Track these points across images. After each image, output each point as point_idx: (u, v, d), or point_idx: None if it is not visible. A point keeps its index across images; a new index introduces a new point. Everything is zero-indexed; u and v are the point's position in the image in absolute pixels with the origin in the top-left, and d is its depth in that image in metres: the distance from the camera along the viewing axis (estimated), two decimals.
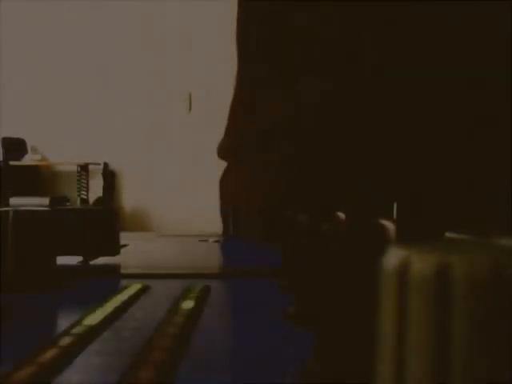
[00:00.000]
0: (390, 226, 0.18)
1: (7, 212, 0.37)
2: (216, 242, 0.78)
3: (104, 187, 3.31)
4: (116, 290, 0.36)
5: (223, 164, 0.92)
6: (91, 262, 0.49)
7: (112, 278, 0.44)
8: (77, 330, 0.25)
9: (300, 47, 0.53)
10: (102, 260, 0.49)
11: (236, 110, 0.59)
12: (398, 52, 0.54)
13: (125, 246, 0.62)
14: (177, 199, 3.31)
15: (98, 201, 3.18)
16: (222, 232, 0.86)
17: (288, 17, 0.53)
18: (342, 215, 0.23)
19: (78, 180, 3.33)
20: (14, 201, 0.44)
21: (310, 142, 0.53)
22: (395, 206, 0.24)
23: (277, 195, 0.53)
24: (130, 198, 3.40)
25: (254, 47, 0.56)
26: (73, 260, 0.48)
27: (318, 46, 0.52)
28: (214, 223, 1.16)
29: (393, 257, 0.11)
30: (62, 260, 0.42)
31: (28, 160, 3.29)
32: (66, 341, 0.23)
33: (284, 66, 0.53)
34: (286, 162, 0.53)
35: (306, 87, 0.52)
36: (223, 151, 0.61)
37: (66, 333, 0.25)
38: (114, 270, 0.47)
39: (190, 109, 3.34)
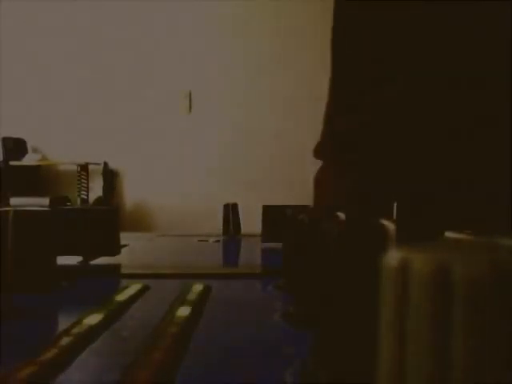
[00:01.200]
0: (389, 226, 0.18)
1: (7, 212, 0.37)
2: (216, 241, 0.78)
3: (104, 187, 3.31)
4: (116, 290, 0.36)
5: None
6: (91, 262, 0.49)
7: (112, 278, 0.44)
8: (77, 329, 0.25)
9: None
10: (102, 260, 0.49)
11: (330, 111, 0.60)
12: (397, 52, 0.54)
13: (125, 245, 0.62)
14: (177, 199, 3.31)
15: (98, 201, 3.18)
16: (222, 232, 0.86)
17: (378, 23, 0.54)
18: (341, 215, 0.23)
19: (78, 180, 3.33)
20: (14, 201, 0.44)
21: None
22: (395, 206, 0.24)
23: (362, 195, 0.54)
24: (130, 198, 3.40)
25: (350, 51, 0.57)
26: (73, 260, 0.48)
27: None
28: (214, 223, 1.16)
29: (393, 257, 0.11)
30: (62, 260, 0.42)
31: (28, 160, 3.29)
32: (65, 341, 0.23)
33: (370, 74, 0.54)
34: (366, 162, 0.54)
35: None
36: (318, 151, 0.61)
37: (66, 333, 0.25)
38: (114, 269, 0.47)
39: (190, 108, 3.34)
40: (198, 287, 0.37)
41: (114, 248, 0.50)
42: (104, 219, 0.49)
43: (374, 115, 0.54)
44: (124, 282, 0.40)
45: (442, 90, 0.52)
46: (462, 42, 0.52)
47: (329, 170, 0.59)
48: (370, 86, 0.54)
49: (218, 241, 0.79)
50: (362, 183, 0.53)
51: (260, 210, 0.68)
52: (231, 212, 0.85)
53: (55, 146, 3.39)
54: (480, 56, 0.51)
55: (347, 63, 0.57)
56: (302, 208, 0.46)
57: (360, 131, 0.54)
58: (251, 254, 0.68)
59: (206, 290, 0.36)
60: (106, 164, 3.32)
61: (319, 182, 0.60)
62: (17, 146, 3.29)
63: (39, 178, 3.42)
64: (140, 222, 3.27)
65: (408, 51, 0.53)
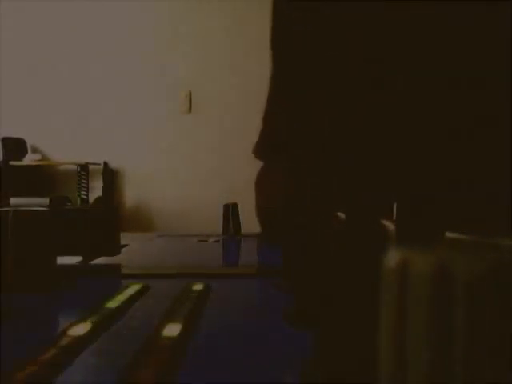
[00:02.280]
0: (390, 226, 0.18)
1: (7, 212, 0.37)
2: (216, 241, 0.78)
3: (104, 187, 3.31)
4: (116, 290, 0.36)
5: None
6: (91, 262, 0.49)
7: (112, 278, 0.44)
8: (77, 330, 0.25)
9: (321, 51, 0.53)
10: (102, 260, 0.49)
11: (274, 110, 0.60)
12: (396, 53, 0.54)
13: (125, 245, 0.62)
14: (177, 199, 3.31)
15: (98, 201, 3.18)
16: (221, 232, 0.86)
17: (316, 19, 0.53)
18: (342, 215, 0.23)
19: (78, 180, 3.33)
20: (14, 201, 0.44)
21: (316, 141, 0.53)
22: (395, 206, 0.24)
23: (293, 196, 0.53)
24: (130, 198, 3.40)
25: (290, 50, 0.56)
26: (73, 260, 0.48)
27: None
28: (214, 223, 1.15)
29: (393, 257, 0.11)
30: (62, 260, 0.42)
31: (28, 160, 3.29)
32: (65, 341, 0.23)
33: (313, 72, 0.54)
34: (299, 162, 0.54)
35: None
36: (261, 151, 0.61)
37: (66, 333, 0.25)
38: (114, 269, 0.47)
39: (190, 108, 3.34)
40: (197, 287, 0.37)
41: (114, 248, 0.50)
42: (104, 219, 0.49)
43: (317, 114, 0.53)
44: (124, 282, 0.40)
45: (440, 90, 0.52)
46: (461, 43, 0.52)
47: (268, 171, 0.58)
48: (311, 84, 0.54)
49: (218, 241, 0.79)
50: (301, 184, 0.53)
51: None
52: (231, 212, 0.85)
53: (55, 146, 3.39)
54: (480, 55, 0.51)
55: (288, 61, 0.57)
56: (303, 209, 0.46)
57: (299, 130, 0.54)
58: (251, 254, 0.68)
59: (206, 290, 0.36)
60: (106, 164, 3.32)
61: (260, 182, 0.59)
62: (17, 146, 3.29)
63: (39, 178, 3.42)
64: (140, 222, 3.27)
65: (406, 52, 0.53)
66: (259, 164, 0.68)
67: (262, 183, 0.59)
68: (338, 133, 0.56)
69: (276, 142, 0.58)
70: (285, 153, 0.56)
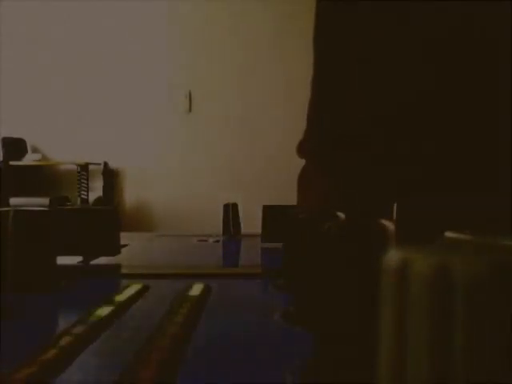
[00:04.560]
0: (390, 226, 0.18)
1: (7, 212, 0.37)
2: (216, 241, 0.78)
3: (104, 187, 3.31)
4: (116, 290, 0.36)
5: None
6: (91, 262, 0.49)
7: (112, 278, 0.44)
8: (77, 329, 0.25)
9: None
10: (102, 260, 0.49)
11: (318, 111, 0.60)
12: (397, 54, 0.54)
13: (125, 245, 0.62)
14: (177, 199, 3.31)
15: (98, 201, 3.18)
16: (221, 232, 0.86)
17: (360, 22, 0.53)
18: (341, 215, 0.23)
19: (78, 180, 3.32)
20: (14, 201, 0.44)
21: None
22: (395, 206, 0.24)
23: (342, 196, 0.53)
24: (130, 198, 3.40)
25: (334, 51, 0.57)
26: (73, 260, 0.48)
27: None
28: (214, 223, 1.15)
29: (393, 257, 0.11)
30: (62, 260, 0.42)
31: (28, 160, 3.29)
32: (65, 341, 0.23)
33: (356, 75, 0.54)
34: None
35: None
36: (303, 149, 0.61)
37: (66, 333, 0.25)
38: (114, 269, 0.47)
39: (190, 108, 3.34)
40: (197, 287, 0.37)
41: (114, 248, 0.50)
42: (104, 219, 0.49)
43: (362, 115, 0.53)
44: (124, 281, 0.40)
45: (440, 90, 0.52)
46: (461, 42, 0.52)
47: (312, 170, 0.59)
48: (356, 85, 0.54)
49: (218, 241, 0.79)
50: (345, 183, 0.53)
51: (260, 210, 0.68)
52: (231, 212, 0.85)
53: (55, 146, 3.39)
54: (481, 57, 0.51)
55: (332, 62, 0.57)
56: (302, 208, 0.46)
57: (345, 131, 0.54)
58: (251, 254, 0.68)
59: (206, 290, 0.36)
60: (106, 164, 3.32)
61: (302, 181, 0.60)
62: (17, 146, 3.29)
63: (39, 178, 3.42)
64: (140, 222, 3.27)
65: (398, 51, 0.53)
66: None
67: (304, 182, 0.60)
68: (346, 131, 0.56)
69: (320, 142, 0.58)
70: (327, 153, 0.56)
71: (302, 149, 0.62)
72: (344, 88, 0.56)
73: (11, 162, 3.19)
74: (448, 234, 0.18)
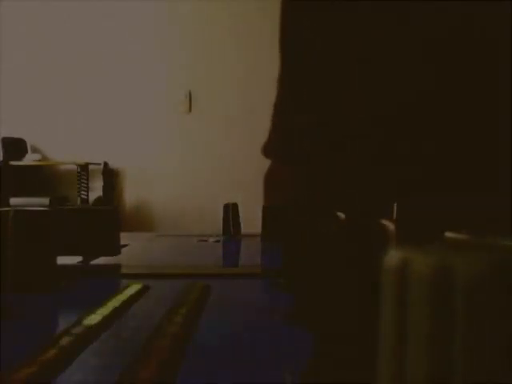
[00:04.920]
0: (390, 226, 0.18)
1: (7, 212, 0.37)
2: (216, 241, 0.78)
3: (104, 187, 3.31)
4: (116, 290, 0.36)
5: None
6: (91, 262, 0.49)
7: (112, 278, 0.44)
8: (77, 329, 0.25)
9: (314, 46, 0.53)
10: (102, 260, 0.49)
11: (282, 109, 0.60)
12: (397, 54, 0.54)
13: (125, 245, 0.62)
14: (177, 199, 3.31)
15: (98, 201, 3.18)
16: (222, 232, 0.86)
17: (305, 17, 0.53)
18: (341, 215, 0.23)
19: (78, 180, 3.33)
20: (14, 201, 0.44)
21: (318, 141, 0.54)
22: (395, 206, 0.24)
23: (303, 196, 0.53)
24: (130, 198, 3.40)
25: (297, 50, 0.57)
26: (73, 260, 0.48)
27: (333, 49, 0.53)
28: (214, 223, 1.16)
29: (393, 257, 0.11)
30: (62, 260, 0.42)
31: (28, 160, 3.29)
32: (65, 341, 0.23)
33: (321, 71, 0.54)
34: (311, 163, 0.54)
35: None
36: (267, 149, 0.61)
37: (66, 333, 0.25)
38: (114, 269, 0.47)
39: (190, 108, 3.34)
40: (197, 287, 0.37)
41: (114, 248, 0.50)
42: (104, 219, 0.49)
43: (327, 115, 0.53)
44: (124, 281, 0.40)
45: (440, 90, 0.52)
46: (461, 42, 0.52)
47: (278, 169, 0.59)
48: (321, 86, 0.54)
49: (218, 241, 0.79)
50: (311, 183, 0.53)
51: (260, 210, 0.68)
52: (231, 212, 0.85)
53: (55, 146, 3.39)
54: (481, 57, 0.51)
55: (298, 62, 0.57)
56: (302, 208, 0.46)
57: (310, 131, 0.54)
58: (251, 254, 0.68)
59: (206, 290, 0.36)
60: (106, 164, 3.32)
61: (269, 181, 0.60)
62: (17, 146, 3.29)
63: (39, 178, 3.42)
64: (140, 222, 3.27)
65: (399, 51, 0.53)
66: (260, 165, 0.68)
67: (270, 182, 0.60)
68: (347, 131, 0.56)
69: (285, 141, 0.58)
70: (293, 152, 0.56)
71: (267, 149, 0.62)
72: (308, 86, 0.56)
73: (11, 162, 3.19)
74: (448, 234, 0.18)
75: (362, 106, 0.55)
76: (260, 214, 0.68)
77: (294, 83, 0.59)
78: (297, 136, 0.56)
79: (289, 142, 0.57)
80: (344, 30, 0.54)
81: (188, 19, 3.29)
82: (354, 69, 0.55)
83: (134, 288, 0.37)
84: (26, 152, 3.34)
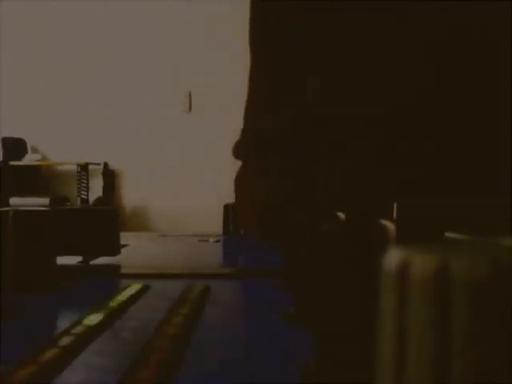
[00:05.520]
0: (390, 225, 0.18)
1: (7, 212, 0.37)
2: (216, 241, 0.78)
3: (104, 187, 3.31)
4: (116, 290, 0.36)
5: (228, 164, 0.91)
6: (91, 262, 0.49)
7: (112, 278, 0.44)
8: (77, 329, 0.25)
9: (307, 47, 0.53)
10: (102, 260, 0.49)
11: (252, 109, 0.60)
12: (397, 54, 0.54)
13: (125, 246, 0.62)
14: (177, 199, 3.31)
15: (98, 201, 3.18)
16: (222, 232, 0.86)
17: (299, 17, 0.53)
18: (341, 215, 0.23)
19: (77, 180, 3.33)
20: (14, 201, 0.44)
21: (315, 142, 0.53)
22: (395, 206, 0.24)
23: (282, 196, 0.53)
24: (130, 198, 3.40)
25: (269, 47, 0.56)
26: (73, 260, 0.48)
27: (320, 45, 0.53)
28: (214, 223, 1.16)
29: (393, 257, 0.11)
30: (62, 260, 0.42)
31: (28, 160, 3.29)
32: (65, 341, 0.23)
33: (295, 67, 0.54)
34: (291, 162, 0.54)
35: (310, 88, 0.52)
36: (238, 150, 0.61)
37: (66, 333, 0.25)
38: (113, 270, 0.47)
39: (191, 108, 3.34)
40: (198, 287, 0.37)
41: (114, 248, 0.50)
42: (104, 219, 0.49)
43: (297, 115, 0.53)
44: (124, 281, 0.40)
45: (440, 90, 0.52)
46: (461, 42, 0.52)
47: (248, 170, 0.58)
48: (292, 86, 0.54)
49: (218, 241, 0.79)
50: (283, 183, 0.53)
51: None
52: (231, 212, 0.85)
53: (55, 146, 3.39)
54: (481, 57, 0.51)
55: (270, 62, 0.57)
56: (302, 208, 0.46)
57: (281, 131, 0.54)
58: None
59: (206, 290, 0.36)
60: (106, 164, 3.32)
61: (239, 182, 0.59)
62: (17, 146, 3.29)
63: (39, 178, 3.42)
64: (140, 222, 3.27)
65: (399, 51, 0.53)
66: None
67: (241, 184, 0.59)
68: (331, 132, 0.56)
69: (256, 141, 0.58)
70: (264, 153, 0.55)
71: (237, 150, 0.61)
72: (279, 84, 0.56)
73: (11, 162, 3.20)
74: (448, 234, 0.18)
75: (361, 106, 0.55)
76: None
77: (265, 81, 0.58)
78: (268, 138, 0.56)
79: (258, 142, 0.57)
80: (344, 30, 0.54)
81: (188, 19, 3.29)
82: (353, 69, 0.55)
83: (133, 288, 0.37)
84: (26, 152, 3.34)
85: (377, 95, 0.54)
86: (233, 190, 0.61)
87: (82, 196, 3.29)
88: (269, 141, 0.55)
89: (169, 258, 0.64)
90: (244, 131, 0.61)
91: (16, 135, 3.29)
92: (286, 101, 0.54)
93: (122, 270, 0.47)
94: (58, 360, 0.21)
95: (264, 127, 0.57)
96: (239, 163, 0.69)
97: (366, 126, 0.54)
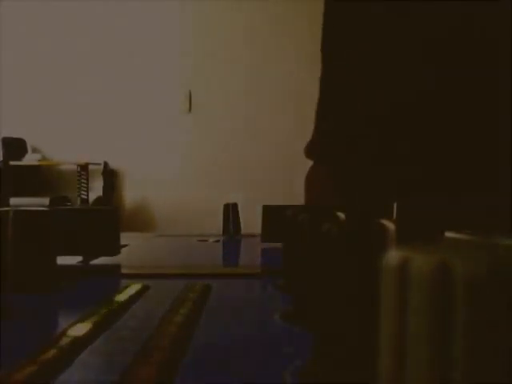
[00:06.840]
0: (390, 225, 0.18)
1: (7, 212, 0.37)
2: (216, 241, 0.78)
3: (104, 187, 3.31)
4: (116, 290, 0.36)
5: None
6: (91, 262, 0.49)
7: (112, 278, 0.44)
8: (76, 330, 0.25)
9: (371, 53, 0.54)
10: (102, 260, 0.49)
11: (325, 111, 0.60)
12: (397, 54, 0.54)
13: (125, 246, 0.62)
14: (177, 199, 3.31)
15: (98, 201, 3.18)
16: (222, 232, 0.86)
17: (367, 20, 0.53)
18: (341, 215, 0.23)
19: (78, 180, 3.32)
20: (14, 201, 0.44)
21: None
22: (395, 206, 0.24)
23: (354, 196, 0.53)
24: (130, 198, 3.40)
25: (340, 51, 0.57)
26: (73, 260, 0.48)
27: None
28: (214, 223, 1.16)
29: (393, 257, 0.11)
30: (62, 260, 0.42)
31: (28, 160, 3.29)
32: (65, 341, 0.23)
33: (364, 72, 0.54)
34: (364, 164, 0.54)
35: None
36: (312, 150, 0.61)
37: (66, 333, 0.25)
38: (113, 270, 0.47)
39: (190, 108, 3.34)
40: (198, 287, 0.37)
41: (114, 248, 0.50)
42: (104, 219, 0.49)
43: (365, 117, 0.54)
44: (124, 281, 0.40)
45: (440, 90, 0.52)
46: (461, 42, 0.52)
47: (319, 170, 0.59)
48: (360, 88, 0.54)
49: (218, 241, 0.79)
50: (350, 183, 0.53)
51: (260, 210, 0.68)
52: (231, 212, 0.85)
53: (55, 145, 3.39)
54: (481, 57, 0.51)
55: (338, 64, 0.57)
56: (302, 208, 0.46)
57: (347, 132, 0.54)
58: (251, 254, 0.68)
59: (206, 290, 0.36)
60: (106, 164, 3.32)
61: (310, 181, 0.60)
62: (17, 146, 3.29)
63: (39, 178, 3.42)
64: (140, 222, 3.27)
65: (399, 51, 0.53)
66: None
67: (311, 182, 0.60)
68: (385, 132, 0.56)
69: (325, 143, 0.59)
70: (332, 154, 0.56)
71: (310, 150, 0.62)
72: (349, 88, 0.56)
73: (11, 162, 3.19)
74: (448, 233, 0.18)
75: (361, 105, 0.55)
76: (260, 214, 0.68)
77: (334, 85, 0.59)
78: (329, 137, 0.57)
79: (323, 143, 0.58)
80: (344, 30, 0.54)
81: (188, 19, 3.29)
82: (353, 69, 0.55)
83: (133, 288, 0.37)
84: (26, 152, 3.34)
85: (377, 95, 0.54)
86: (303, 188, 0.61)
87: (82, 196, 3.29)
88: (334, 141, 0.56)
89: (169, 257, 0.64)
90: (314, 131, 0.62)
91: (16, 135, 3.29)
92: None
93: (122, 270, 0.47)
94: (58, 360, 0.21)
95: (328, 129, 0.58)
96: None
97: (365, 125, 0.54)
